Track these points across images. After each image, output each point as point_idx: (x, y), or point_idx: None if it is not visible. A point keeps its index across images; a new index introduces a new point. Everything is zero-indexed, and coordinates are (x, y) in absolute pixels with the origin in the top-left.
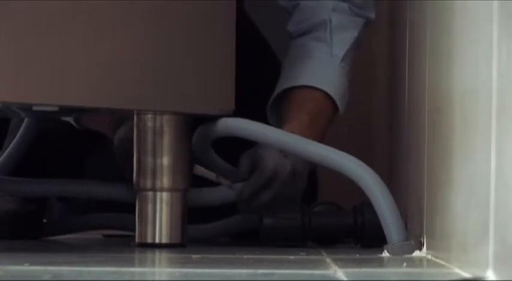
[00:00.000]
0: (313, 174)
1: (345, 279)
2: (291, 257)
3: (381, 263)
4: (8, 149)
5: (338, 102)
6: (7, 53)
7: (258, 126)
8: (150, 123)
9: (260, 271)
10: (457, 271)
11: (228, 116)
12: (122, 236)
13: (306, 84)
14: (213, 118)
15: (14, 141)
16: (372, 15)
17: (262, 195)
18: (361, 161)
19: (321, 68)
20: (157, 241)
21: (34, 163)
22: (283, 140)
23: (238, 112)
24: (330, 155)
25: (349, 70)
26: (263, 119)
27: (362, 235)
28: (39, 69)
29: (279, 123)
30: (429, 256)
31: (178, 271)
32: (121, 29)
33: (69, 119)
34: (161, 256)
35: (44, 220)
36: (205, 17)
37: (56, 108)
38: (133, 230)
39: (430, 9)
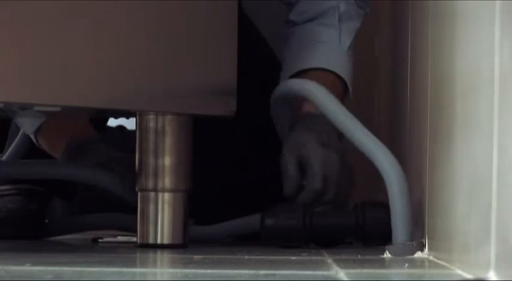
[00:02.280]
0: None
1: (347, 280)
2: (293, 257)
3: (382, 264)
4: (9, 151)
5: (349, 86)
6: (8, 53)
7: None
8: (152, 124)
9: (262, 271)
10: (459, 272)
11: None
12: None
13: (320, 67)
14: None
15: (14, 142)
16: (368, 10)
17: (325, 198)
18: (394, 157)
19: (332, 52)
20: (159, 241)
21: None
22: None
23: (239, 112)
24: (371, 144)
25: (352, 59)
26: (264, 119)
27: (363, 235)
28: (40, 69)
29: (286, 114)
30: (431, 257)
31: (180, 271)
32: (123, 29)
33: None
34: (163, 256)
35: (46, 220)
36: (207, 17)
37: (57, 109)
38: (135, 230)
39: (432, 9)
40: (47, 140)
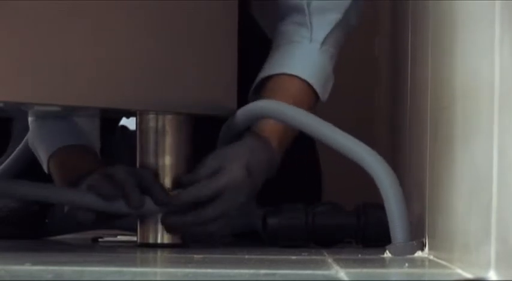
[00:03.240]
0: (318, 175)
1: (347, 279)
2: (293, 257)
3: (382, 263)
4: (14, 153)
5: (318, 89)
6: (8, 53)
7: (285, 108)
8: (152, 124)
9: (262, 271)
10: (459, 271)
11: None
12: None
13: (282, 72)
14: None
15: (21, 145)
16: None
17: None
18: (380, 156)
19: (300, 54)
20: (159, 241)
21: (38, 168)
22: (313, 125)
23: None
24: (353, 148)
25: (334, 53)
26: None
27: (364, 235)
28: (40, 69)
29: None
30: (431, 257)
31: (180, 271)
32: (123, 28)
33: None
34: (163, 256)
35: (46, 220)
36: (207, 17)
37: (58, 108)
38: (135, 230)
39: (432, 9)
40: (57, 172)
